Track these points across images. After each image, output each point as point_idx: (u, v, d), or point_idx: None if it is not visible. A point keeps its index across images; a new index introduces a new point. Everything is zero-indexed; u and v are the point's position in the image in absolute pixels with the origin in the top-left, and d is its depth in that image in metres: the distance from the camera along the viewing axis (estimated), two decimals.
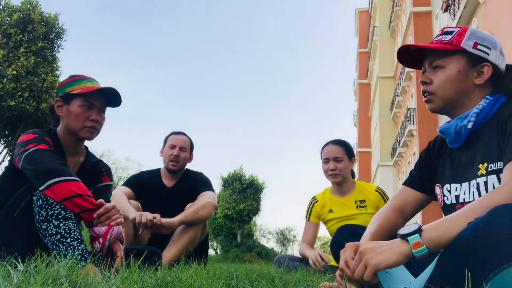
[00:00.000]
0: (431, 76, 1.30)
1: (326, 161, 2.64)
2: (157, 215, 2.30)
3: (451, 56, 1.27)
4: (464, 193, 1.23)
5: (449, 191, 1.29)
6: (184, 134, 2.87)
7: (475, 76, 1.26)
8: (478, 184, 1.19)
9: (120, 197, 2.53)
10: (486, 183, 1.17)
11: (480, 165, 1.19)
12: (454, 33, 1.29)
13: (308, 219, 2.79)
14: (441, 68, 1.28)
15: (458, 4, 13.38)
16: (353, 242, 1.14)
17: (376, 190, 2.68)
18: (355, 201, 2.66)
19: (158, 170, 2.87)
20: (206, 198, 2.53)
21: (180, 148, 2.75)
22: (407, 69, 19.60)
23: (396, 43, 25.54)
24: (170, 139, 2.80)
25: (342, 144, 2.68)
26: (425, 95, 1.33)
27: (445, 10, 15.04)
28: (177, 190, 2.76)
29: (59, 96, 1.80)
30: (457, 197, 1.26)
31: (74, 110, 1.75)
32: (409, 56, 1.39)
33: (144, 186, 2.76)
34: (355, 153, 2.68)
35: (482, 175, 1.18)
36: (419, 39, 18.91)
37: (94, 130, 1.78)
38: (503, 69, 1.29)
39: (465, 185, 1.23)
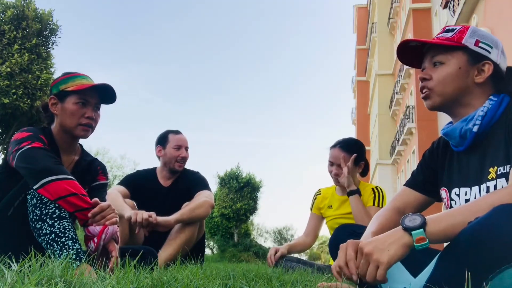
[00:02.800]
0: (430, 72, 1.29)
1: (331, 163, 2.61)
2: (153, 214, 2.29)
3: (452, 52, 1.26)
4: (475, 197, 1.21)
5: (458, 195, 1.27)
6: (181, 132, 2.86)
7: (475, 74, 1.25)
8: (488, 188, 1.17)
9: (116, 196, 2.51)
10: (496, 186, 1.15)
11: (491, 168, 1.17)
12: (455, 31, 1.28)
13: (311, 210, 2.81)
14: (441, 64, 1.27)
15: (458, 0, 13.35)
16: (354, 240, 1.11)
17: (372, 189, 2.63)
18: None
19: (154, 169, 2.85)
20: (202, 197, 2.52)
21: (185, 149, 2.77)
22: (406, 66, 19.58)
23: (395, 40, 25.50)
24: (174, 140, 2.77)
25: (349, 149, 2.58)
26: (423, 91, 1.31)
27: (445, 7, 15.00)
28: (173, 190, 2.75)
29: (53, 94, 1.79)
30: (467, 201, 1.23)
31: (69, 107, 1.74)
32: (409, 54, 1.37)
33: (140, 185, 2.74)
34: None
35: (492, 179, 1.16)
36: (419, 36, 18.85)
37: (89, 128, 1.77)
38: (504, 69, 1.27)
39: (475, 189, 1.21)
